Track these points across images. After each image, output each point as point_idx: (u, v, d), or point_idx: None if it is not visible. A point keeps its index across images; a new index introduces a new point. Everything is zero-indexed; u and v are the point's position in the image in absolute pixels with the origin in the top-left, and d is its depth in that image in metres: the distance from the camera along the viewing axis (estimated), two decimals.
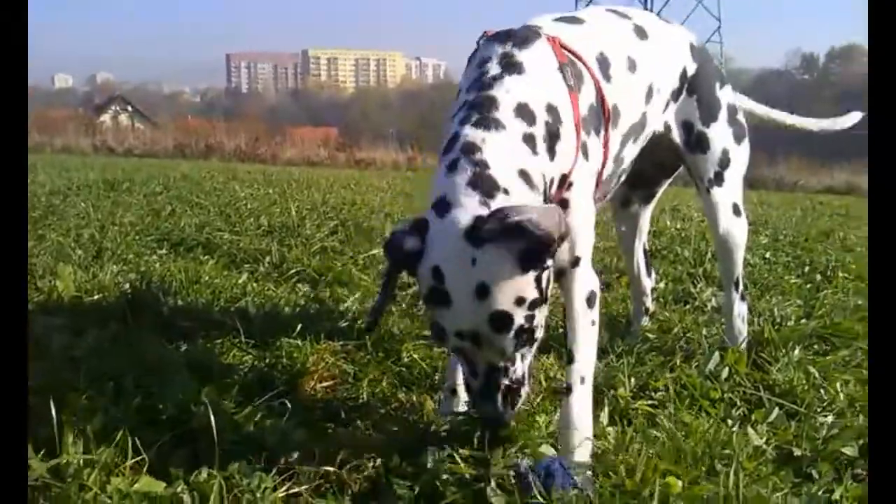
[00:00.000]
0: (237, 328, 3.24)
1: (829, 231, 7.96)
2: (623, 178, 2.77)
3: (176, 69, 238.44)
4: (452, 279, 1.80)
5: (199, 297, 3.85)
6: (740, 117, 2.99)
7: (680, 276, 4.89)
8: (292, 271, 4.52)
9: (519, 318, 1.82)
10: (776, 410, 2.55)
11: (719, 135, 2.90)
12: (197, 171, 12.74)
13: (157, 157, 21.00)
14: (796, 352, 3.12)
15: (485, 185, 1.84)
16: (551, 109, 2.06)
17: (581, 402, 2.16)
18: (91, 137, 24.22)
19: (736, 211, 2.99)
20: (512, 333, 1.83)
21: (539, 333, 1.92)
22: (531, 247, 1.77)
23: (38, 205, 7.03)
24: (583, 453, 2.10)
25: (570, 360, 2.19)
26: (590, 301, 2.21)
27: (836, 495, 1.97)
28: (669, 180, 3.29)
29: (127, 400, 2.37)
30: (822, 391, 2.76)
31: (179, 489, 1.86)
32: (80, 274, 4.15)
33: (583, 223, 2.19)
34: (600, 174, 2.38)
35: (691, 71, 2.83)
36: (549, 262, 1.88)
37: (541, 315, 1.89)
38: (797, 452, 2.28)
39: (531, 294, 1.82)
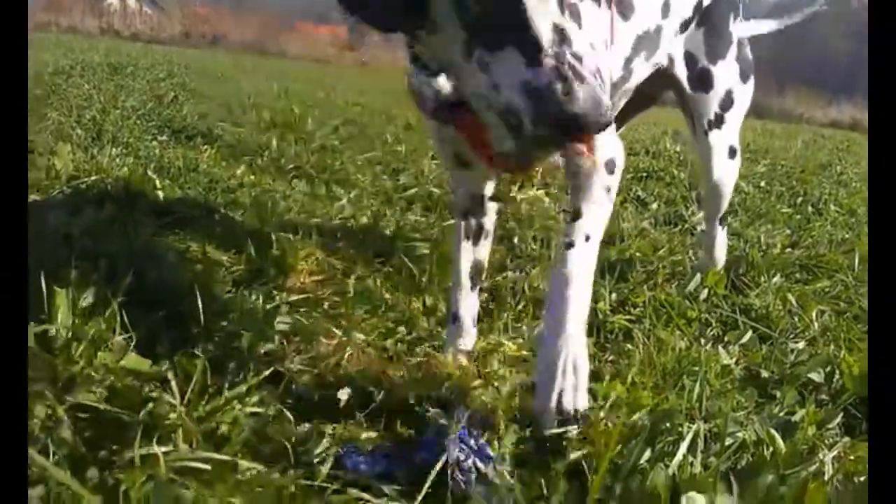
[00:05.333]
0: (231, 217, 3.29)
1: (827, 164, 7.98)
2: (624, 102, 2.58)
3: None
4: None
5: (196, 186, 3.89)
6: (747, 51, 2.80)
7: (673, 198, 4.94)
8: (290, 167, 4.55)
9: None
10: (749, 333, 2.60)
11: (725, 73, 2.69)
12: (202, 60, 12.63)
13: (163, 43, 20.82)
14: (777, 278, 3.18)
15: None
16: None
17: (582, 261, 1.81)
18: (97, 19, 23.97)
19: (731, 153, 2.83)
20: None
21: None
22: None
23: (41, 83, 7.00)
24: (575, 325, 1.77)
25: (576, 217, 1.82)
26: (609, 166, 1.87)
27: (797, 417, 1.99)
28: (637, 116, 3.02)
29: (119, 279, 2.39)
30: (796, 318, 2.81)
31: (164, 368, 1.88)
32: (78, 154, 4.17)
33: None
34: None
35: (707, 1, 2.59)
36: None
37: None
38: (764, 374, 2.32)
39: None
